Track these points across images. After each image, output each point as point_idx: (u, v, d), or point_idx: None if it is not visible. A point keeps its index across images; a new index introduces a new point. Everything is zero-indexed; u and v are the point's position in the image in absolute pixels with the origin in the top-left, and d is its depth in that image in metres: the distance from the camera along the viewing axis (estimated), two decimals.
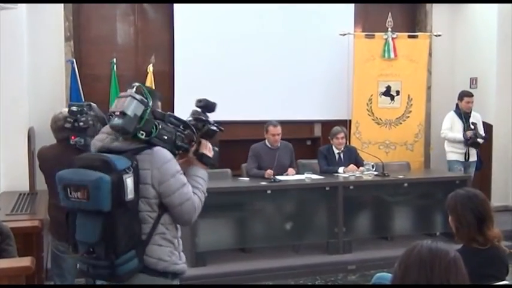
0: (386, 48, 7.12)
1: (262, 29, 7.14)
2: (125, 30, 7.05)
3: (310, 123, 7.68)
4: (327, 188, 5.65)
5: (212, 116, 2.63)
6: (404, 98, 7.26)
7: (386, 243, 5.92)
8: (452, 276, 1.64)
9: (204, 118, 2.51)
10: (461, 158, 6.60)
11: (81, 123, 3.23)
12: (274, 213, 5.74)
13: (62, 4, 6.36)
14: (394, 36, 7.14)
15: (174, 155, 2.37)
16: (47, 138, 3.89)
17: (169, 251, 2.34)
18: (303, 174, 5.77)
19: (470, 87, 7.41)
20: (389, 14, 7.19)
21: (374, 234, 6.13)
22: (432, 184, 6.31)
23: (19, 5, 5.30)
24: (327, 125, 7.08)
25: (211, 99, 2.56)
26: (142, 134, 2.27)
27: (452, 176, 6.29)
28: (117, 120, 2.25)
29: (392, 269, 1.73)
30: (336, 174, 5.99)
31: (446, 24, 7.81)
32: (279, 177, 5.61)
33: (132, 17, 7.05)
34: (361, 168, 6.03)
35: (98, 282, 2.31)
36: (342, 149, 6.20)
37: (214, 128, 2.53)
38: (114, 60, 6.66)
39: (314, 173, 5.90)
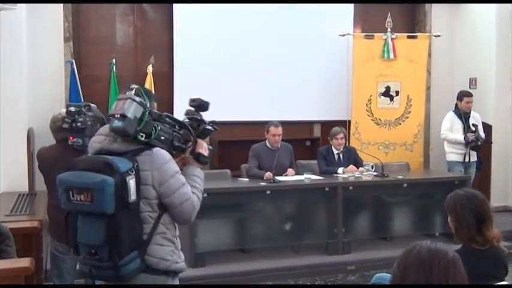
0: (385, 49, 7.12)
1: (262, 29, 7.14)
2: (124, 30, 7.05)
3: (309, 124, 7.67)
4: (327, 189, 5.65)
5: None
6: (403, 98, 7.26)
7: (386, 243, 5.92)
8: (451, 277, 1.64)
9: (199, 118, 2.54)
10: (462, 159, 6.57)
11: (78, 124, 3.23)
12: (273, 213, 5.74)
13: (62, 5, 6.36)
14: (394, 36, 7.14)
15: (172, 155, 2.39)
16: (46, 139, 3.89)
17: (170, 250, 2.37)
18: (303, 174, 5.77)
19: (469, 87, 7.40)
20: (389, 14, 7.19)
21: (373, 235, 6.13)
22: (431, 184, 6.32)
23: (18, 5, 5.30)
24: (327, 126, 7.08)
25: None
26: (142, 136, 2.28)
27: (452, 176, 6.29)
28: (117, 123, 2.26)
29: (392, 270, 1.73)
30: (336, 175, 5.99)
31: (445, 24, 7.81)
32: (278, 178, 5.61)
33: (132, 18, 7.05)
34: (360, 168, 6.03)
35: (98, 283, 2.32)
36: (342, 149, 6.21)
37: (210, 127, 2.56)
38: (114, 60, 6.66)
39: (313, 173, 5.90)
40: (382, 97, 7.24)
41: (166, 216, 2.36)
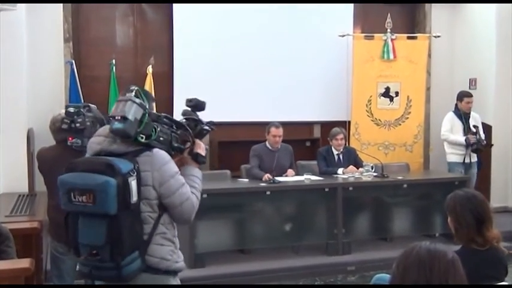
0: (385, 50, 7.12)
1: (262, 30, 7.14)
2: (124, 31, 7.05)
3: (309, 125, 7.67)
4: (326, 189, 5.65)
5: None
6: (403, 99, 7.26)
7: (386, 244, 5.92)
8: (451, 277, 1.64)
9: (196, 118, 2.56)
10: (462, 160, 6.54)
11: (77, 124, 3.23)
12: (273, 214, 5.75)
13: (61, 5, 6.36)
14: (393, 37, 7.14)
15: (170, 155, 2.41)
16: (46, 140, 3.89)
17: (170, 250, 2.40)
18: (303, 175, 5.77)
19: (469, 88, 7.40)
20: (389, 15, 7.19)
21: (373, 235, 6.13)
22: (431, 185, 6.32)
23: (18, 6, 5.30)
24: (326, 126, 7.08)
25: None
26: (142, 138, 2.30)
27: (452, 177, 6.29)
28: (118, 125, 2.27)
29: (391, 270, 1.74)
30: (335, 175, 5.99)
31: (445, 25, 7.81)
32: (278, 179, 5.61)
33: (131, 18, 7.05)
34: (360, 169, 6.03)
35: (97, 283, 2.33)
36: (341, 150, 6.21)
37: (207, 127, 2.58)
38: (114, 61, 6.66)
39: (313, 174, 5.90)
40: (382, 98, 7.24)
41: (165, 216, 2.38)
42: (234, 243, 5.62)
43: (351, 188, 5.70)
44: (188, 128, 2.49)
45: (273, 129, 5.92)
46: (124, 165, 2.23)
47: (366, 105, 7.19)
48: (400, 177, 6.04)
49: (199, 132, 2.56)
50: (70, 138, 3.26)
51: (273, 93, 7.13)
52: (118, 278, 2.24)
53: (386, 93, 7.24)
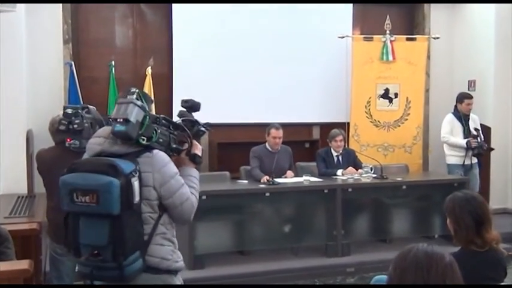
0: (384, 51, 7.13)
1: (261, 31, 7.15)
2: (124, 32, 7.06)
3: (308, 126, 7.68)
4: (326, 191, 5.65)
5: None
6: (402, 100, 7.27)
7: (385, 245, 5.91)
8: (448, 280, 1.65)
9: (193, 119, 2.59)
10: (462, 162, 6.51)
11: (75, 126, 3.22)
12: (272, 215, 5.74)
13: (61, 6, 6.37)
14: (393, 39, 7.15)
15: (169, 156, 2.44)
16: (45, 141, 3.89)
17: (170, 250, 2.43)
18: (302, 176, 5.77)
19: (468, 89, 7.41)
20: (388, 16, 7.20)
21: (373, 237, 6.12)
22: (430, 186, 6.32)
23: (18, 7, 5.29)
24: (326, 128, 7.09)
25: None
26: (143, 139, 2.33)
27: (451, 178, 6.28)
28: (120, 127, 2.29)
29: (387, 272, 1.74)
30: (335, 177, 5.99)
31: (444, 26, 7.83)
32: (277, 180, 5.61)
33: (131, 20, 7.06)
34: (359, 170, 6.03)
35: (96, 283, 2.33)
36: (341, 151, 6.21)
37: (203, 128, 2.61)
38: (113, 62, 6.66)
39: (313, 175, 5.91)
40: (381, 99, 7.24)
41: (165, 216, 2.41)
42: (233, 245, 5.61)
43: (350, 190, 5.69)
44: (186, 129, 2.51)
45: (273, 131, 5.92)
46: (126, 165, 2.25)
47: (365, 106, 7.19)
48: (399, 179, 6.04)
49: (196, 133, 2.58)
50: (68, 140, 3.25)
51: (272, 95, 7.14)
52: (120, 278, 2.26)
53: (385, 95, 7.24)
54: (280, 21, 7.21)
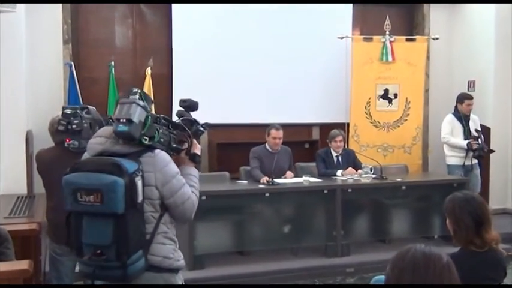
0: (384, 52, 7.14)
1: (261, 31, 7.15)
2: (123, 33, 7.06)
3: (308, 126, 7.69)
4: (325, 191, 5.65)
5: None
6: (402, 101, 7.27)
7: (385, 246, 5.91)
8: (446, 281, 1.65)
9: (192, 118, 2.60)
10: (462, 163, 6.48)
11: (74, 126, 3.21)
12: (272, 216, 5.74)
13: (60, 7, 6.37)
14: (392, 39, 7.16)
15: (169, 155, 2.45)
16: (45, 141, 3.88)
17: (172, 249, 2.44)
18: (301, 177, 5.77)
19: (468, 90, 7.41)
20: (387, 17, 7.21)
21: (372, 237, 6.12)
22: (430, 187, 6.32)
23: (17, 7, 5.29)
24: (325, 128, 7.09)
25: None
26: (145, 140, 2.34)
27: (450, 179, 6.28)
28: (123, 127, 2.30)
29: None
30: (334, 177, 5.99)
31: (444, 27, 7.83)
32: (277, 181, 5.61)
33: (130, 20, 7.06)
34: (359, 171, 6.04)
35: (97, 283, 2.34)
36: (340, 152, 6.21)
37: (202, 128, 2.63)
38: (112, 63, 6.66)
39: (312, 176, 5.91)
40: (380, 100, 7.25)
41: (166, 215, 2.42)
42: (233, 245, 5.61)
43: (349, 190, 5.69)
44: (187, 129, 2.53)
45: (273, 132, 5.92)
46: (130, 165, 2.27)
47: (365, 107, 7.20)
48: (398, 179, 6.04)
49: (195, 132, 2.60)
50: (67, 140, 3.25)
51: (272, 95, 7.14)
52: (123, 277, 2.27)
53: (385, 95, 7.25)
54: (280, 21, 7.21)
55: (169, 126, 2.50)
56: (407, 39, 7.43)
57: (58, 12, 6.36)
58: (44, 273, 4.15)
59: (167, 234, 2.42)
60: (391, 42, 7.14)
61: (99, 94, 6.60)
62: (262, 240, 5.66)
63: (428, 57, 7.61)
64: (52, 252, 3.58)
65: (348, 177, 5.96)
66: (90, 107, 3.41)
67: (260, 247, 5.66)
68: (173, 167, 2.42)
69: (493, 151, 6.68)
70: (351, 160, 6.25)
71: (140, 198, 2.28)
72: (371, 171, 5.98)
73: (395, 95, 7.26)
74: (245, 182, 5.85)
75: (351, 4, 7.54)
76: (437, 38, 7.35)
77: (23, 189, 5.46)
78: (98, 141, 2.43)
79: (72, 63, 6.33)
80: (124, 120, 2.29)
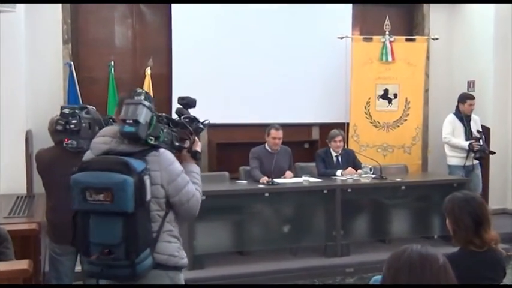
0: (384, 52, 7.14)
1: (261, 31, 7.15)
2: (123, 33, 7.06)
3: (308, 126, 7.69)
4: (325, 191, 5.65)
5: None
6: (402, 101, 7.27)
7: (384, 246, 5.91)
8: (442, 281, 1.65)
9: (192, 116, 2.63)
10: (463, 163, 6.45)
11: (72, 126, 3.21)
12: (272, 216, 5.74)
13: (60, 7, 6.37)
14: (392, 39, 7.16)
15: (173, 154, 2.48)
16: (44, 141, 3.89)
17: (177, 247, 2.47)
18: (301, 177, 5.77)
19: (467, 90, 7.41)
20: (387, 17, 7.21)
21: (372, 237, 6.12)
22: (430, 187, 6.32)
23: (17, 8, 5.29)
24: (325, 128, 7.09)
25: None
26: (151, 139, 2.36)
27: (450, 179, 6.28)
28: (130, 128, 2.31)
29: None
30: (334, 177, 5.99)
31: (443, 27, 7.84)
32: (276, 180, 5.61)
33: (130, 20, 7.06)
34: (359, 171, 6.04)
35: (101, 282, 2.36)
36: (340, 152, 6.21)
37: (202, 125, 2.65)
38: (112, 63, 6.66)
39: (312, 176, 5.91)
40: (380, 100, 7.25)
41: (171, 214, 2.45)
42: (232, 245, 5.61)
43: (349, 190, 5.69)
44: (189, 126, 2.56)
45: (273, 132, 5.92)
46: (138, 164, 2.29)
47: (365, 107, 7.20)
48: (398, 179, 6.04)
49: (195, 130, 2.62)
50: (66, 140, 3.25)
51: (272, 95, 7.15)
52: (132, 275, 2.28)
53: (384, 95, 7.25)
54: (280, 21, 7.22)
55: (170, 124, 2.53)
56: (407, 39, 7.43)
57: (58, 12, 6.37)
58: (43, 273, 4.15)
59: (172, 233, 2.45)
60: (390, 42, 7.14)
61: (98, 94, 6.59)
62: (262, 240, 5.66)
63: (428, 57, 7.61)
64: (51, 252, 3.58)
65: (348, 177, 5.96)
66: (90, 107, 3.41)
67: (260, 247, 5.66)
68: (178, 165, 2.45)
69: (494, 153, 6.64)
70: (350, 160, 6.25)
71: (149, 197, 2.30)
72: (371, 171, 5.99)
73: (395, 95, 7.26)
74: (245, 182, 5.85)
75: (351, 4, 7.54)
76: (437, 38, 7.36)
77: (22, 189, 5.46)
78: (103, 140, 2.44)
79: (72, 63, 6.33)
80: (131, 121, 2.30)
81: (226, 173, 6.14)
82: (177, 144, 2.51)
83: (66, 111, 3.27)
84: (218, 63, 6.98)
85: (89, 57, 6.85)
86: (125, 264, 2.26)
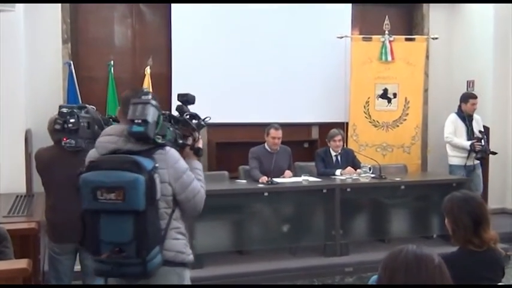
0: (383, 51, 7.14)
1: (260, 31, 7.15)
2: (123, 32, 7.06)
3: (307, 126, 7.68)
4: (324, 191, 5.65)
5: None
6: (401, 100, 7.27)
7: (384, 245, 5.91)
8: (437, 281, 1.66)
9: (194, 113, 2.64)
10: (464, 163, 6.42)
11: (70, 125, 3.21)
12: (271, 215, 5.74)
13: (60, 6, 6.37)
14: (391, 39, 7.16)
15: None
16: (44, 141, 3.89)
17: (184, 244, 2.50)
18: (300, 176, 5.77)
19: (467, 89, 7.42)
20: (387, 17, 7.20)
21: (371, 237, 6.12)
22: (429, 186, 6.33)
23: (16, 7, 5.29)
24: (325, 128, 7.09)
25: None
26: (159, 138, 2.38)
27: (450, 178, 6.28)
28: (138, 128, 2.32)
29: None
30: (333, 177, 6.00)
31: (443, 27, 7.84)
32: (276, 180, 5.61)
33: (130, 20, 7.06)
34: (358, 170, 6.03)
35: (99, 283, 2.36)
36: (339, 151, 6.22)
37: (203, 122, 2.67)
38: (112, 62, 6.65)
39: (311, 175, 5.91)
40: (380, 99, 7.25)
41: (177, 211, 2.48)
42: (232, 244, 5.62)
43: (348, 190, 5.69)
44: (191, 124, 2.59)
45: (272, 131, 5.92)
46: (147, 162, 2.31)
47: (364, 106, 7.20)
48: (397, 179, 6.04)
49: (197, 127, 2.64)
50: (64, 139, 3.25)
51: (271, 94, 7.15)
52: (143, 273, 2.31)
53: (384, 95, 7.25)
54: (279, 21, 7.21)
55: (171, 121, 2.55)
56: (407, 39, 7.43)
57: (57, 11, 6.37)
58: (43, 273, 4.16)
59: (179, 229, 2.48)
60: (390, 41, 7.14)
61: (98, 93, 6.59)
62: (261, 240, 5.67)
63: (427, 57, 7.62)
64: (51, 251, 3.59)
65: (347, 177, 5.96)
66: (89, 106, 3.41)
67: (259, 246, 5.66)
68: (183, 163, 2.48)
69: (495, 153, 6.60)
70: (350, 159, 6.25)
71: (159, 195, 2.33)
72: (370, 170, 5.99)
73: (395, 95, 7.26)
74: (244, 181, 5.86)
75: (350, 4, 7.53)
76: (436, 38, 7.36)
77: (22, 188, 5.46)
78: (109, 139, 2.44)
79: (72, 63, 6.32)
80: (140, 121, 2.32)
81: (226, 173, 6.14)
82: (180, 141, 2.54)
83: (64, 110, 3.26)
84: (217, 62, 6.98)
85: (89, 57, 6.85)
86: (136, 262, 2.28)
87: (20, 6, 5.46)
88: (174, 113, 2.66)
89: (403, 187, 5.99)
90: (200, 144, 2.65)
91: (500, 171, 7.33)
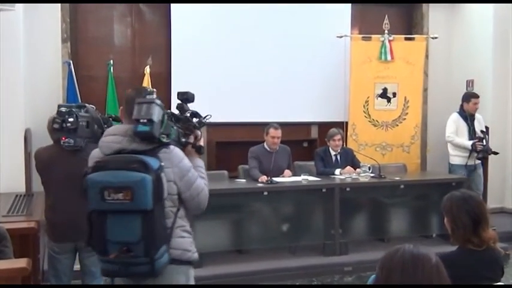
0: (383, 51, 7.14)
1: (260, 31, 7.15)
2: (122, 31, 7.06)
3: (307, 125, 7.69)
4: (324, 190, 5.65)
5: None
6: (400, 100, 7.27)
7: (383, 245, 5.91)
8: (434, 281, 1.66)
9: (195, 111, 2.66)
10: (465, 162, 6.41)
11: (68, 124, 3.21)
12: (270, 214, 5.74)
13: (59, 6, 6.37)
14: (391, 38, 7.16)
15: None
16: (43, 140, 3.89)
17: (190, 242, 2.51)
18: (300, 176, 5.78)
19: (466, 89, 7.42)
20: (386, 16, 7.20)
21: (370, 236, 6.13)
22: (428, 186, 6.32)
23: (16, 6, 5.29)
24: (324, 127, 7.09)
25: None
26: (164, 137, 2.38)
27: (449, 177, 6.29)
28: (144, 127, 2.33)
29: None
30: (333, 176, 6.00)
31: (442, 26, 7.84)
32: (275, 179, 5.62)
33: (129, 19, 7.05)
34: (357, 170, 6.04)
35: (103, 282, 2.37)
36: (339, 150, 6.22)
37: (204, 120, 2.68)
38: (111, 61, 6.65)
39: (311, 174, 5.91)
40: (379, 99, 7.25)
41: (182, 209, 2.49)
42: (231, 244, 5.62)
43: (348, 189, 5.70)
44: (193, 122, 2.60)
45: (271, 131, 5.92)
46: (154, 162, 2.32)
47: (364, 106, 7.20)
48: (397, 178, 6.05)
49: (198, 124, 2.66)
50: (63, 138, 3.25)
51: (271, 94, 7.15)
52: (151, 272, 2.31)
53: (383, 94, 7.25)
54: (279, 21, 7.21)
55: (172, 119, 2.55)
56: (406, 38, 7.44)
57: (57, 10, 6.36)
58: (42, 272, 4.16)
59: (185, 228, 2.49)
60: (389, 41, 7.14)
61: (97, 92, 6.58)
62: (261, 239, 5.67)
63: (427, 56, 7.62)
64: (50, 251, 3.59)
65: (347, 176, 5.96)
66: (89, 106, 3.40)
67: (258, 246, 5.66)
68: (187, 161, 2.48)
69: (497, 153, 6.57)
70: (349, 159, 6.26)
71: (166, 194, 2.34)
72: (369, 170, 5.99)
73: (394, 94, 7.26)
74: (243, 180, 5.86)
75: (350, 3, 7.53)
76: (436, 37, 7.36)
77: (21, 188, 5.46)
78: (114, 139, 2.44)
79: (71, 62, 6.32)
80: (145, 121, 2.32)
81: (225, 172, 6.15)
82: (183, 140, 2.55)
83: (63, 109, 3.26)
84: (217, 61, 6.98)
85: (88, 56, 6.85)
86: (144, 261, 2.29)
87: (19, 5, 5.46)
88: (175, 111, 2.66)
89: (402, 186, 5.99)
90: (202, 142, 2.66)
91: (500, 170, 7.33)
